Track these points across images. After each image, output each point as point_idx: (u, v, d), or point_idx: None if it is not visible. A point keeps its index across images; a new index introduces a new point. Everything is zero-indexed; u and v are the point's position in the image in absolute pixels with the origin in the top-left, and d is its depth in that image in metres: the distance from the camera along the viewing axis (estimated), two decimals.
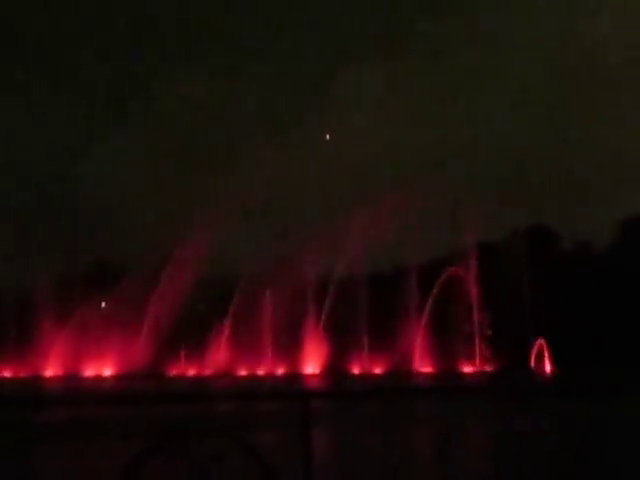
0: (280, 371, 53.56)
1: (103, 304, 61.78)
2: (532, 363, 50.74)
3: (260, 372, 53.82)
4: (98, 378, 55.13)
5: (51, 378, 55.82)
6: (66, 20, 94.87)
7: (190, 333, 56.22)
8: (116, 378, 54.25)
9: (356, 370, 52.55)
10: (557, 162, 71.15)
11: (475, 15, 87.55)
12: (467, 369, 50.89)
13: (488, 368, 50.55)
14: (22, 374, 57.13)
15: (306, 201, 57.32)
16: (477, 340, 51.84)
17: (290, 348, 53.96)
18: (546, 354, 49.88)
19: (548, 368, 49.16)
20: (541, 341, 50.31)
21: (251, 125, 78.50)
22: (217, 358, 55.21)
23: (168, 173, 73.27)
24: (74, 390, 42.71)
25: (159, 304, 56.85)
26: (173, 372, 55.46)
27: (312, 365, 53.41)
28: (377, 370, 52.08)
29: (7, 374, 58.01)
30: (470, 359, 51.51)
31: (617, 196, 65.54)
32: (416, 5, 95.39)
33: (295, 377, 50.40)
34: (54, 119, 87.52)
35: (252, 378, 52.05)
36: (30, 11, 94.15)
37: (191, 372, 55.02)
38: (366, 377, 49.89)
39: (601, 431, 17.89)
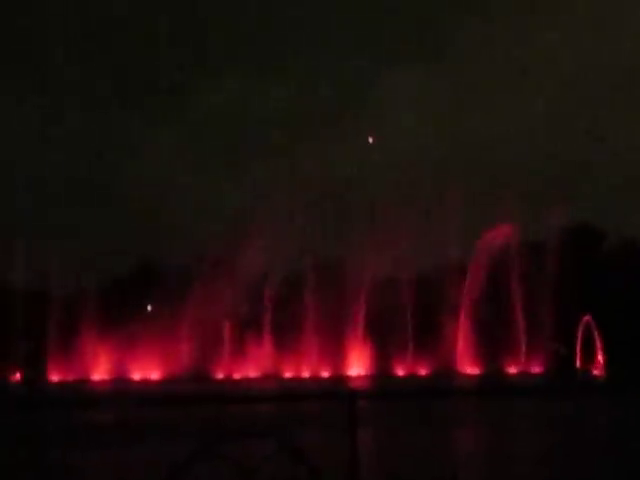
0: (325, 373, 53.58)
1: (149, 307, 62.39)
2: (579, 364, 50.10)
3: (305, 374, 53.89)
4: (145, 381, 55.69)
5: (99, 382, 56.53)
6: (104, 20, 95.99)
7: (235, 335, 56.56)
8: (163, 381, 54.75)
9: (400, 372, 52.37)
10: (601, 160, 70.29)
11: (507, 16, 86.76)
12: (512, 370, 50.42)
13: (534, 369, 50.02)
14: (70, 378, 57.89)
15: (351, 201, 57.21)
16: (522, 340, 51.32)
17: (335, 350, 53.94)
18: (597, 344, 49.04)
19: (596, 371, 48.45)
20: (589, 322, 49.24)
21: (289, 124, 78.58)
22: (262, 360, 55.38)
23: (213, 172, 73.80)
24: (122, 393, 43.21)
25: (203, 306, 57.18)
26: (219, 374, 55.80)
27: (356, 367, 53.37)
28: (422, 371, 51.87)
29: (55, 378, 58.86)
30: (516, 360, 51.02)
31: None
32: (452, 7, 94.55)
33: (340, 379, 50.43)
34: (101, 120, 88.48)
35: (297, 380, 52.15)
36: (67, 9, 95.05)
37: (237, 374, 55.28)
38: (411, 378, 49.72)
39: None
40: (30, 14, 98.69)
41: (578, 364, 50.11)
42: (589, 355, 49.67)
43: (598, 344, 49.33)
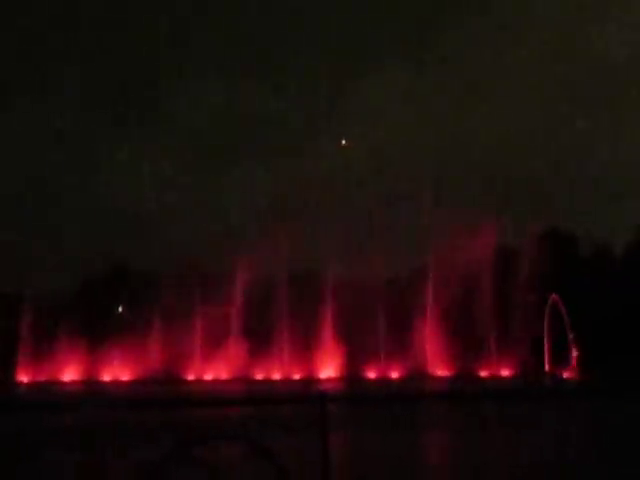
0: (296, 375, 53.56)
1: (120, 309, 62.05)
2: (547, 367, 50.48)
3: (276, 376, 53.83)
4: (115, 383, 55.35)
5: (69, 383, 56.12)
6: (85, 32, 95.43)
7: (206, 337, 56.36)
8: (132, 383, 54.46)
9: (372, 374, 52.47)
10: (572, 165, 70.99)
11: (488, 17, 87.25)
12: (483, 373, 50.72)
13: (504, 372, 50.35)
14: (40, 378, 57.45)
15: (321, 204, 57.22)
16: (493, 344, 51.64)
17: (306, 352, 53.96)
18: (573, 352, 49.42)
19: (567, 374, 48.84)
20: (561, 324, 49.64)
21: (269, 130, 78.59)
22: (233, 362, 55.26)
23: (185, 178, 73.59)
24: (92, 394, 42.89)
25: (173, 308, 57.00)
26: (190, 376, 55.59)
27: (328, 370, 53.41)
28: (393, 374, 52.00)
29: (25, 379, 58.36)
30: (486, 363, 51.33)
31: (635, 198, 65.17)
32: (428, 13, 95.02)
33: (311, 381, 50.44)
34: (75, 126, 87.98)
35: (268, 382, 52.09)
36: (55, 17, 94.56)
37: (207, 376, 55.10)
38: (382, 381, 49.84)
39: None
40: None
41: (548, 367, 50.51)
42: (561, 358, 50.05)
43: (571, 347, 49.76)
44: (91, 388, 50.45)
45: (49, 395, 42.01)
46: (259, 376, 53.97)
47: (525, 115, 79.36)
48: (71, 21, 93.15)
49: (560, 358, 49.92)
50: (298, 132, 78.80)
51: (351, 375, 51.47)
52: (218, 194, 61.01)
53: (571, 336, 48.99)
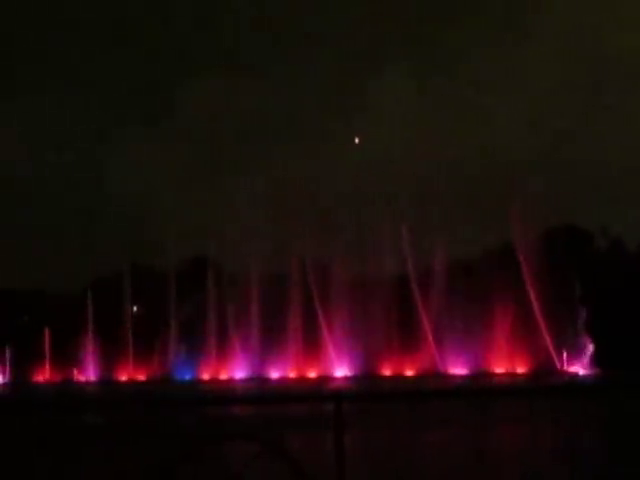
0: (311, 374, 53.58)
1: (135, 308, 62.27)
2: (561, 365, 50.20)
3: (291, 375, 53.85)
4: (131, 382, 55.58)
5: (83, 383, 56.39)
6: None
7: (221, 336, 56.48)
8: (147, 382, 54.66)
9: (387, 372, 52.41)
10: (588, 161, 70.59)
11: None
12: (498, 370, 50.55)
13: (520, 370, 50.16)
14: (54, 379, 57.76)
15: (337, 201, 57.16)
16: (507, 341, 51.42)
17: (321, 351, 53.98)
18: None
19: (580, 371, 48.62)
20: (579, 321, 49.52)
21: (278, 129, 78.50)
22: (248, 361, 55.34)
23: (196, 176, 73.60)
24: (109, 394, 43.08)
25: (190, 308, 57.14)
26: (205, 376, 55.74)
27: (343, 368, 53.40)
28: (408, 372, 51.93)
29: (41, 379, 58.69)
30: (501, 360, 51.14)
31: None
32: (439, 13, 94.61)
33: (325, 380, 50.45)
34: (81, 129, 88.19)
35: (283, 381, 52.12)
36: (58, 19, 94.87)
37: (223, 375, 55.23)
38: (397, 379, 49.79)
39: None
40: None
41: (565, 364, 50.25)
42: (578, 355, 49.77)
43: (588, 344, 49.54)
44: (107, 388, 50.67)
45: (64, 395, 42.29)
46: (274, 375, 54.02)
47: (540, 113, 78.98)
48: (70, 19, 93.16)
49: (575, 354, 49.67)
50: (307, 132, 78.67)
51: (366, 373, 51.41)
52: (229, 194, 60.92)
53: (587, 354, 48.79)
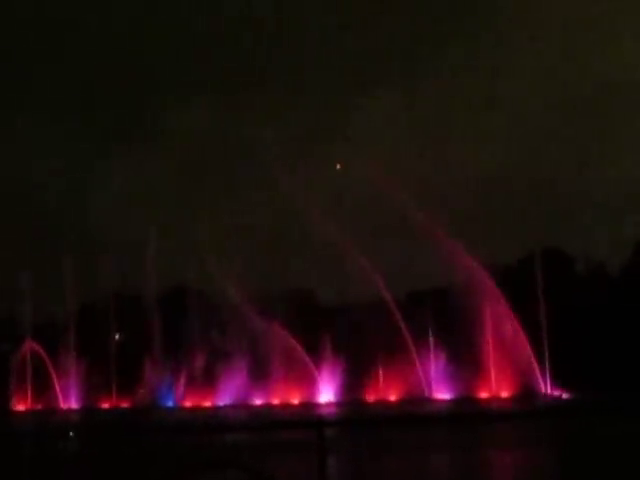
0: (294, 400, 53.43)
1: (117, 336, 61.98)
2: (543, 388, 50.32)
3: (275, 401, 53.68)
4: (115, 409, 55.25)
5: (67, 411, 55.99)
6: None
7: (206, 363, 56.31)
8: (132, 409, 54.36)
9: (371, 398, 52.33)
10: (570, 183, 71.27)
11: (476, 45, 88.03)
12: (483, 395, 50.60)
13: (503, 394, 50.23)
14: (38, 407, 57.34)
15: (313, 229, 57.12)
16: (493, 365, 51.55)
17: (304, 377, 53.88)
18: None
19: (564, 394, 48.72)
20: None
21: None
22: (232, 388, 55.18)
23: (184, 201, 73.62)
24: (91, 422, 42.78)
25: (175, 335, 56.98)
26: (188, 403, 55.46)
27: (327, 394, 53.31)
28: (392, 397, 51.87)
29: (21, 407, 58.22)
30: (486, 385, 51.22)
31: (631, 217, 65.24)
32: (427, 35, 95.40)
33: (309, 406, 50.33)
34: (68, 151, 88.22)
35: (267, 407, 51.95)
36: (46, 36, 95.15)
37: (207, 402, 54.97)
38: (380, 405, 49.73)
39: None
40: None
41: (547, 388, 50.38)
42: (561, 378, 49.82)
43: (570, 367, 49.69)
44: (90, 416, 50.33)
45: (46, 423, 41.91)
46: (258, 401, 53.84)
47: (524, 133, 79.83)
48: (62, 32, 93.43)
49: (560, 378, 49.78)
50: (292, 154, 78.93)
51: (349, 399, 51.30)
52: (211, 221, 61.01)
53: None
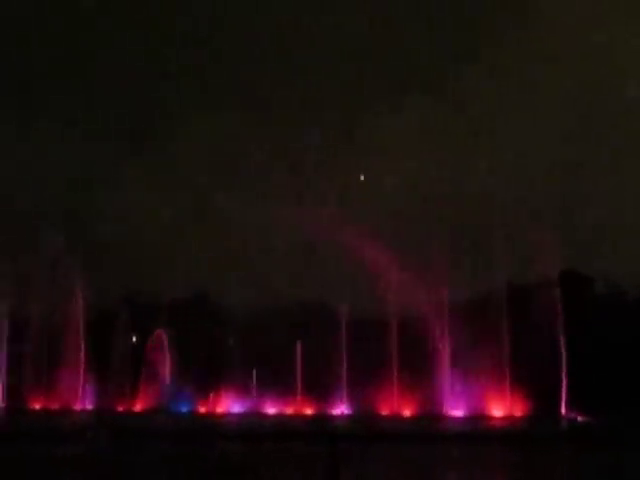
0: (309, 411, 53.33)
1: (133, 338, 62.20)
2: (561, 410, 49.88)
3: (288, 411, 53.60)
4: (129, 413, 55.34)
5: (80, 411, 56.14)
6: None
7: (220, 369, 56.39)
8: (146, 414, 54.43)
9: (385, 412, 52.11)
10: (588, 206, 70.78)
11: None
12: (497, 413, 50.24)
13: (518, 413, 49.85)
14: (52, 406, 57.54)
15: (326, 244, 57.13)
16: (508, 384, 51.23)
17: (320, 388, 53.79)
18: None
19: (579, 417, 48.25)
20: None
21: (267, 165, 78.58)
22: (246, 396, 55.21)
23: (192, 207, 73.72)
24: (105, 424, 42.83)
25: (187, 339, 57.13)
26: (202, 409, 55.47)
27: (341, 406, 53.18)
28: (406, 412, 51.64)
29: (37, 406, 58.46)
30: (500, 403, 50.88)
31: None
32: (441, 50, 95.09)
33: (323, 417, 50.18)
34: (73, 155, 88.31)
35: (280, 417, 51.88)
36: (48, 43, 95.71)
37: (220, 409, 54.99)
38: (395, 419, 49.54)
39: None
40: None
41: (564, 410, 49.97)
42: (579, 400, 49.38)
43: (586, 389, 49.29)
44: (102, 418, 50.44)
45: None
46: (271, 411, 53.80)
47: (544, 149, 79.41)
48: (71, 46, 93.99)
49: (577, 400, 49.37)
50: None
51: (363, 412, 51.14)
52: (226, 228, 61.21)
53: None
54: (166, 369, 57.87)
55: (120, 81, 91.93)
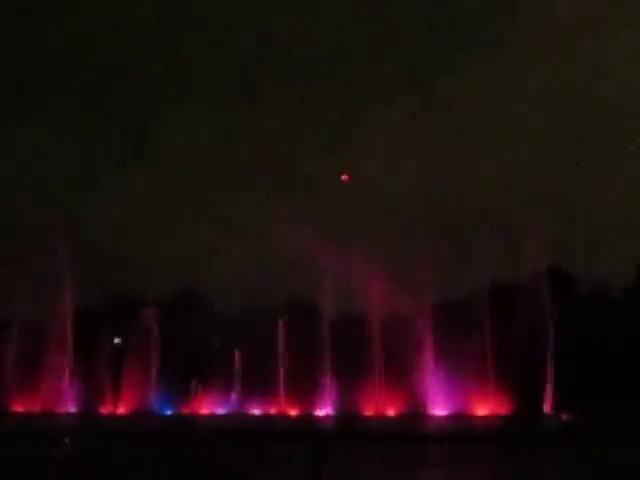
0: (292, 412, 53.25)
1: (116, 340, 61.79)
2: (545, 408, 50.04)
3: (273, 412, 53.51)
4: (111, 416, 55.03)
5: (63, 414, 55.78)
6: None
7: (204, 370, 56.20)
8: (130, 416, 54.15)
9: (369, 412, 52.09)
10: (574, 203, 70.92)
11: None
12: (481, 412, 50.34)
13: (502, 411, 49.96)
14: (34, 409, 57.13)
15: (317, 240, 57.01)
16: (492, 383, 51.36)
17: (303, 388, 53.71)
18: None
19: (564, 415, 48.43)
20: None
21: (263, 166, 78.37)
22: (230, 397, 55.07)
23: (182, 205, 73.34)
24: (88, 427, 42.70)
25: (171, 340, 56.86)
26: (186, 410, 55.24)
27: (325, 407, 53.12)
28: (390, 412, 51.65)
29: (20, 408, 58.02)
30: (484, 402, 50.99)
31: (635, 238, 64.89)
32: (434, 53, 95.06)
33: (307, 418, 50.13)
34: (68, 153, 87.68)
35: (264, 418, 51.80)
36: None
37: (204, 410, 54.79)
38: (379, 419, 49.54)
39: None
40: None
41: (548, 408, 50.14)
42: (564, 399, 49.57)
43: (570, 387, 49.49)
44: (87, 420, 50.19)
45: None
46: (255, 411, 53.68)
47: (527, 151, 79.50)
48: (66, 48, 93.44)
49: (561, 398, 49.55)
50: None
51: (347, 412, 51.10)
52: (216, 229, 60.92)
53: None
54: (150, 371, 57.58)
55: (120, 81, 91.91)
